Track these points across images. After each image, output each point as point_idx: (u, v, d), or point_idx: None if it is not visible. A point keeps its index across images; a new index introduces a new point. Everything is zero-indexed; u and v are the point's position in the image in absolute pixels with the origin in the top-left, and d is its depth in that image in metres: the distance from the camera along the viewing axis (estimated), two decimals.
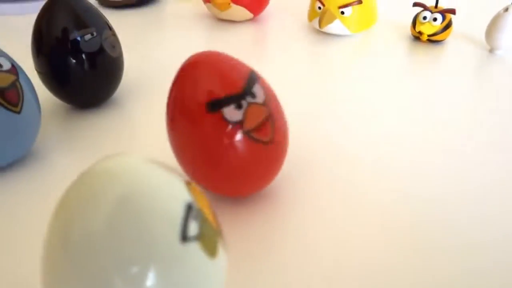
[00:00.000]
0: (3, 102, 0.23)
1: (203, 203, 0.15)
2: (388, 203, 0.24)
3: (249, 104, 0.20)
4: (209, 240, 0.14)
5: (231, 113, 0.20)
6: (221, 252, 0.15)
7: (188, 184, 0.15)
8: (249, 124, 0.20)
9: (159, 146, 0.28)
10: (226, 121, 0.20)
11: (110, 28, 0.30)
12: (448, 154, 0.28)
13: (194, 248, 0.14)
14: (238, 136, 0.20)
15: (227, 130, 0.20)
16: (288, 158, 0.24)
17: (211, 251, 0.14)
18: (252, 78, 0.21)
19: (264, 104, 0.21)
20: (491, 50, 0.41)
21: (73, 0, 0.29)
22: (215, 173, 0.22)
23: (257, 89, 0.21)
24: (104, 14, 0.31)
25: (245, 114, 0.20)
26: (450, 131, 0.30)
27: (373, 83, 0.36)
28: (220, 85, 0.20)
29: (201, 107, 0.20)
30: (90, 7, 0.29)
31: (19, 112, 0.24)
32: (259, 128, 0.21)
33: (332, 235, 0.22)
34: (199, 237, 0.14)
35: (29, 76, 0.26)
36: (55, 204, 0.14)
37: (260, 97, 0.21)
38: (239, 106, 0.20)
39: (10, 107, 0.24)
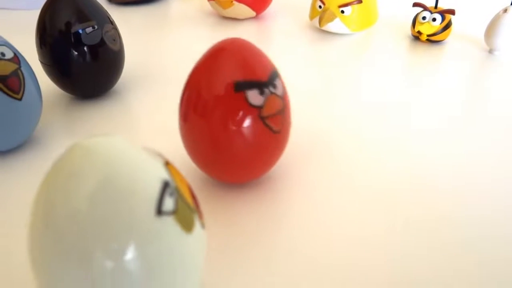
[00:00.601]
0: (4, 89, 0.24)
1: (181, 182, 0.16)
2: (384, 196, 0.25)
3: (271, 93, 0.22)
4: (185, 216, 0.15)
5: (254, 96, 0.21)
6: (197, 227, 0.16)
7: (166, 164, 0.16)
8: (267, 111, 0.22)
9: (157, 135, 0.29)
10: (248, 103, 0.21)
11: (111, 22, 0.31)
12: (444, 151, 0.28)
13: (169, 222, 0.15)
14: (255, 120, 0.21)
15: (246, 111, 0.21)
16: (286, 148, 0.25)
17: (187, 226, 0.15)
18: (275, 72, 0.23)
19: (281, 97, 0.23)
20: (490, 51, 0.42)
21: None
22: (223, 155, 0.23)
23: (278, 83, 0.23)
24: (112, 10, 0.32)
25: (265, 101, 0.22)
26: (447, 129, 0.31)
27: (371, 81, 0.37)
28: (249, 70, 0.22)
29: (228, 85, 0.21)
30: (92, 2, 0.30)
31: (20, 99, 0.25)
32: (274, 117, 0.22)
33: (321, 221, 0.23)
34: (174, 212, 0.15)
35: (33, 67, 0.28)
36: None
37: (279, 90, 0.22)
38: (262, 92, 0.21)
39: (11, 93, 0.25)
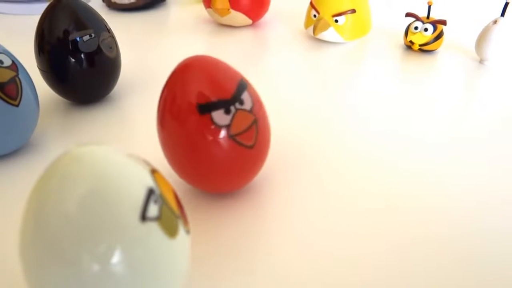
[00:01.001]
0: (2, 95, 0.25)
1: (166, 190, 0.17)
2: (369, 207, 0.25)
3: (237, 110, 0.22)
4: (169, 222, 0.16)
5: (219, 117, 0.21)
6: (181, 233, 0.17)
7: (152, 172, 0.17)
8: (235, 129, 0.22)
9: (151, 142, 0.30)
10: (214, 124, 0.21)
11: (108, 31, 0.32)
12: (435, 160, 0.29)
13: (153, 227, 0.15)
14: (224, 139, 0.22)
15: (214, 133, 0.21)
16: (271, 158, 0.26)
17: (171, 231, 0.16)
18: (241, 85, 0.22)
19: (250, 111, 0.22)
20: (480, 61, 0.42)
21: (74, 3, 0.31)
22: (199, 171, 0.23)
23: (245, 96, 0.22)
24: (110, 16, 0.33)
25: (232, 119, 0.22)
26: (437, 137, 0.31)
27: (363, 90, 0.38)
28: (212, 89, 0.22)
29: (191, 108, 0.21)
30: (89, 10, 0.31)
31: (17, 105, 0.26)
32: (244, 133, 0.22)
33: (303, 231, 0.24)
34: (159, 218, 0.15)
35: (31, 73, 0.28)
36: None
37: (248, 104, 0.22)
38: (227, 111, 0.22)
39: (9, 100, 0.26)
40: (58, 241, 0.15)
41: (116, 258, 0.15)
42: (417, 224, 0.24)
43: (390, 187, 0.27)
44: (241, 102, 0.22)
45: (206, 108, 0.21)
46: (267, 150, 0.25)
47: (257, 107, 0.23)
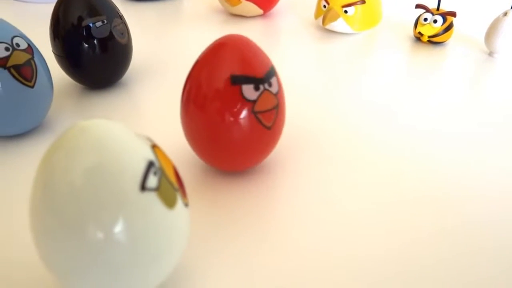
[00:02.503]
0: (18, 77, 0.26)
1: (166, 164, 0.18)
2: (375, 192, 0.26)
3: (265, 90, 0.23)
4: (167, 193, 0.17)
5: (248, 91, 0.23)
6: (180, 205, 0.18)
7: (153, 146, 0.18)
8: (260, 107, 0.23)
9: (161, 123, 0.31)
10: (243, 97, 0.23)
11: (120, 17, 0.33)
12: (440, 151, 0.29)
13: (152, 197, 0.16)
14: (248, 114, 0.23)
15: (240, 105, 0.23)
16: (282, 141, 0.27)
17: (169, 202, 0.17)
18: (272, 70, 0.24)
19: (275, 95, 0.24)
20: (490, 53, 0.42)
21: None
22: (217, 144, 0.24)
23: (273, 80, 0.24)
24: (126, 5, 0.34)
25: (259, 97, 0.23)
26: (444, 129, 0.32)
27: (372, 81, 0.38)
28: (247, 65, 0.23)
29: (226, 78, 0.23)
30: None
31: (32, 87, 0.27)
32: (266, 113, 0.24)
33: (309, 212, 0.25)
34: (157, 189, 0.16)
35: (46, 57, 0.30)
36: None
37: (274, 88, 0.24)
38: (256, 88, 0.23)
39: (24, 81, 0.27)
40: (64, 209, 0.16)
41: (117, 226, 0.16)
42: (428, 214, 0.25)
43: (399, 177, 0.27)
44: (270, 84, 0.24)
45: (238, 79, 0.23)
46: (280, 134, 0.26)
47: (281, 93, 0.25)
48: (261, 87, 0.23)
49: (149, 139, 0.18)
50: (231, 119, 0.23)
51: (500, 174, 0.28)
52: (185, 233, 0.19)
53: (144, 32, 0.47)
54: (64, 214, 0.16)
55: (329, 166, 0.28)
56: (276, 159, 0.28)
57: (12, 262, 0.22)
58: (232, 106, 0.23)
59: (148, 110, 0.34)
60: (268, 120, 0.24)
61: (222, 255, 0.22)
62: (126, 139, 0.17)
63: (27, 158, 0.28)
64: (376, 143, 0.30)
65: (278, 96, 0.24)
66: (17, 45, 0.27)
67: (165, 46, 0.44)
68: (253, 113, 0.23)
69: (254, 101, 0.23)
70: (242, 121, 0.23)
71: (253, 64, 0.23)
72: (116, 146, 0.16)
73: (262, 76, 0.23)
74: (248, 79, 0.23)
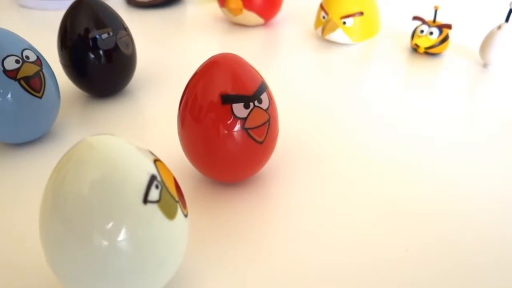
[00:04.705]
0: (28, 88, 0.28)
1: (167, 177, 0.19)
2: (370, 202, 0.27)
3: (255, 107, 0.24)
4: (168, 206, 0.18)
5: (239, 109, 0.24)
6: (180, 216, 0.19)
7: (155, 161, 0.19)
8: (250, 123, 0.24)
9: (160, 132, 0.33)
10: (233, 115, 0.24)
11: (125, 29, 0.35)
12: (439, 161, 0.30)
13: (154, 209, 0.18)
14: (239, 130, 0.24)
15: (231, 123, 0.24)
16: (278, 150, 0.28)
17: (169, 214, 0.18)
18: (262, 86, 0.25)
19: (266, 110, 0.25)
20: (484, 65, 0.43)
21: (95, 3, 0.33)
22: (211, 157, 0.26)
23: (264, 96, 0.25)
24: (129, 12, 0.35)
25: (249, 114, 0.24)
26: (442, 139, 0.33)
27: (369, 91, 0.39)
28: (236, 85, 0.24)
29: (217, 98, 0.24)
30: (109, 10, 0.34)
31: (40, 97, 0.29)
32: (257, 128, 0.25)
33: (304, 221, 0.26)
34: (159, 201, 0.18)
35: (53, 67, 0.31)
36: None
37: (265, 104, 0.25)
38: (246, 106, 0.24)
39: (33, 92, 0.28)
40: (72, 218, 0.17)
41: (121, 235, 0.17)
42: (421, 223, 0.26)
43: (393, 186, 0.28)
44: (260, 101, 0.25)
45: (228, 99, 0.24)
46: (274, 147, 0.27)
47: (272, 107, 0.26)
48: (251, 104, 0.24)
49: (151, 153, 0.19)
50: (224, 134, 0.24)
51: (496, 183, 0.29)
52: (184, 241, 0.20)
53: (148, 39, 0.48)
54: (72, 223, 0.17)
55: (324, 177, 0.29)
56: (272, 168, 0.29)
57: (20, 267, 0.23)
58: (224, 123, 0.24)
59: (151, 118, 0.35)
60: (259, 136, 0.25)
61: (219, 262, 0.23)
62: (130, 154, 0.18)
63: (34, 164, 0.30)
64: (372, 153, 0.31)
65: (269, 111, 0.25)
66: (27, 57, 0.28)
67: (168, 54, 0.45)
68: (244, 129, 0.24)
69: (244, 118, 0.24)
70: (235, 137, 0.24)
71: (243, 83, 0.24)
72: (121, 161, 0.18)
73: (252, 94, 0.24)
74: (237, 98, 0.24)
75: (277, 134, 0.27)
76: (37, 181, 0.28)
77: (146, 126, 0.34)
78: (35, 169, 0.29)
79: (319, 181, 0.29)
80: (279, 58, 0.47)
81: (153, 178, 0.18)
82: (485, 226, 0.25)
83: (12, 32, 0.29)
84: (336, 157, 0.31)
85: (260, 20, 0.50)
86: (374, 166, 0.30)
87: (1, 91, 0.27)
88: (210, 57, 0.25)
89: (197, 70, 0.25)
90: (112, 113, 0.35)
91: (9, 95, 0.27)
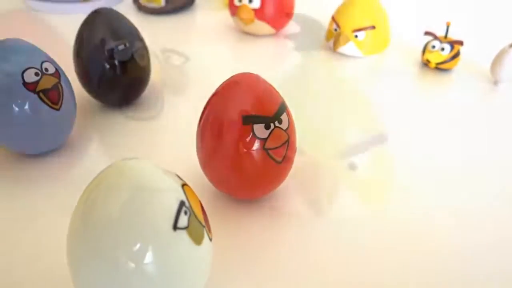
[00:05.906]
0: (46, 100, 0.28)
1: (194, 201, 0.19)
2: (384, 232, 0.27)
3: (275, 127, 0.25)
4: (196, 231, 0.18)
5: (259, 130, 0.24)
6: (206, 240, 0.19)
7: (183, 185, 0.19)
8: (270, 144, 0.25)
9: (176, 141, 0.33)
10: (254, 135, 0.24)
11: (141, 40, 0.35)
12: (448, 178, 0.31)
13: (183, 236, 0.18)
14: (259, 150, 0.24)
15: (251, 142, 0.24)
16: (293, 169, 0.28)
17: (197, 240, 0.18)
18: (282, 106, 0.25)
19: (285, 130, 0.25)
20: (495, 82, 0.44)
21: (112, 15, 0.33)
22: (230, 175, 0.26)
23: (284, 117, 0.25)
24: (140, 19, 0.36)
25: (270, 135, 0.24)
26: (451, 156, 0.33)
27: (379, 104, 0.40)
28: (257, 105, 0.25)
29: (238, 118, 0.24)
30: (125, 22, 0.34)
31: (58, 109, 0.29)
32: (277, 149, 0.25)
33: (320, 238, 0.26)
34: (187, 228, 0.18)
35: (69, 76, 0.31)
36: (81, 187, 0.18)
37: (285, 124, 0.25)
38: (267, 127, 0.24)
39: (51, 104, 0.28)
40: (100, 240, 0.17)
41: (148, 259, 0.17)
42: (427, 243, 0.26)
43: (403, 205, 0.29)
44: (280, 121, 0.25)
45: (249, 119, 0.24)
46: (291, 166, 0.27)
47: (291, 127, 0.26)
48: (272, 125, 0.24)
49: (178, 177, 0.19)
50: (245, 154, 0.24)
51: (506, 203, 0.29)
52: (209, 264, 0.20)
53: (160, 47, 0.48)
54: (100, 245, 0.17)
55: (337, 194, 0.29)
56: (289, 184, 0.29)
57: (41, 280, 0.23)
58: (245, 143, 0.24)
59: (165, 128, 0.35)
60: (279, 156, 0.25)
61: (240, 279, 0.23)
62: (159, 180, 0.18)
63: (50, 175, 0.30)
64: (381, 167, 0.31)
65: (288, 131, 0.25)
66: (46, 70, 0.28)
67: (179, 63, 0.45)
68: (264, 149, 0.24)
69: (265, 139, 0.24)
70: (254, 157, 0.25)
71: (264, 103, 0.25)
72: (151, 186, 0.18)
73: (272, 115, 0.25)
74: (258, 119, 0.24)
75: (295, 152, 0.27)
76: (51, 191, 0.28)
77: (161, 137, 0.34)
78: (51, 180, 0.29)
79: (331, 199, 0.29)
80: (288, 68, 0.47)
81: (182, 204, 0.18)
82: (494, 243, 0.26)
83: (32, 44, 0.29)
84: (346, 174, 0.31)
85: (271, 30, 0.50)
86: (388, 186, 0.30)
87: (20, 102, 0.27)
88: (231, 77, 0.25)
89: (217, 89, 0.25)
90: (126, 122, 0.35)
91: (27, 107, 0.27)
